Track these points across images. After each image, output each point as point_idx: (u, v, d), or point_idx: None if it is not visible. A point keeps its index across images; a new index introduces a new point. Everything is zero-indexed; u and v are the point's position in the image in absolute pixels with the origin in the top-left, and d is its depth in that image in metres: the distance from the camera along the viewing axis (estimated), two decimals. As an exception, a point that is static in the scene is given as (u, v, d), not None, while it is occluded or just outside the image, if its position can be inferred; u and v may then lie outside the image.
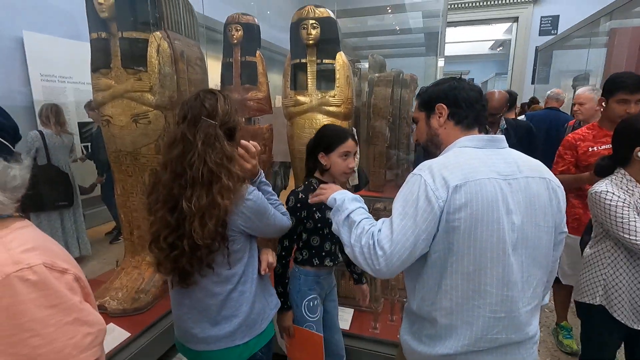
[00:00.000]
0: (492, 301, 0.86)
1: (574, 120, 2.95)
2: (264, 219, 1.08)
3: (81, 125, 3.95)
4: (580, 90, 2.56)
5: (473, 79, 12.19)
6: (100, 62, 1.87)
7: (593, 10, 4.63)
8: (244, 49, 2.05)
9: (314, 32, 1.91)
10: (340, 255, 1.51)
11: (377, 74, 4.39)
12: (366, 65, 4.60)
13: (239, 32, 2.01)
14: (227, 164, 0.96)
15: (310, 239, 1.38)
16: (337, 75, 1.99)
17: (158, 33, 1.83)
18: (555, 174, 0.97)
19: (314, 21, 1.90)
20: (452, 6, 6.77)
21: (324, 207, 1.36)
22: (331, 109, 2.03)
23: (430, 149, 1.01)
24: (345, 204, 0.99)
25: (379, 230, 0.87)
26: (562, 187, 0.94)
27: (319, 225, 1.36)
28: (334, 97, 2.01)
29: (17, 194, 0.63)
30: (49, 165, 2.94)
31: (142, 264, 2.11)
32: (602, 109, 1.82)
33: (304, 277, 1.41)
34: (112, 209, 3.57)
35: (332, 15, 1.94)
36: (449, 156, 0.90)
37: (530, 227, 0.86)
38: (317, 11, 1.91)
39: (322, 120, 2.05)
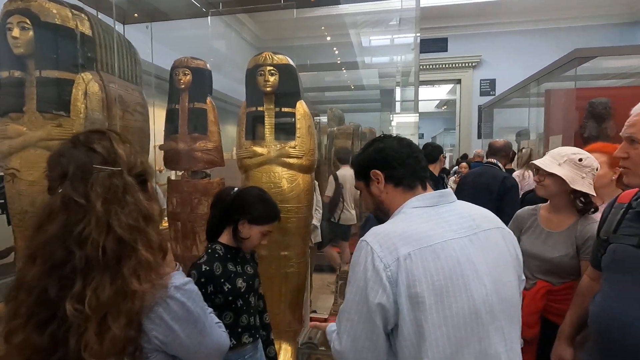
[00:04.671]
0: None
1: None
2: (194, 333, 0.71)
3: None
4: None
5: (423, 134, 13.02)
6: (10, 105, 1.54)
7: (524, 74, 5.17)
8: (192, 95, 1.84)
9: (271, 79, 1.75)
10: (262, 327, 1.34)
11: (336, 127, 4.37)
12: (324, 119, 4.61)
13: (187, 77, 1.81)
14: (145, 227, 0.66)
15: (221, 316, 1.16)
16: (298, 125, 1.82)
17: (88, 74, 1.57)
18: None
19: (271, 68, 1.76)
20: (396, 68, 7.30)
21: (233, 276, 1.18)
22: (291, 160, 1.83)
23: (379, 216, 0.94)
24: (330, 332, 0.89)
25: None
26: (512, 233, 0.89)
27: (230, 298, 1.17)
28: (294, 148, 1.82)
29: None
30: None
31: None
32: None
33: None
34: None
35: (291, 62, 1.82)
36: (397, 220, 0.82)
37: (503, 287, 0.77)
38: (275, 57, 1.78)
39: (282, 173, 1.83)
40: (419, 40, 1.84)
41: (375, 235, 0.78)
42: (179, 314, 0.67)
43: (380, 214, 0.94)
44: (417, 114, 1.90)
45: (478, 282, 0.73)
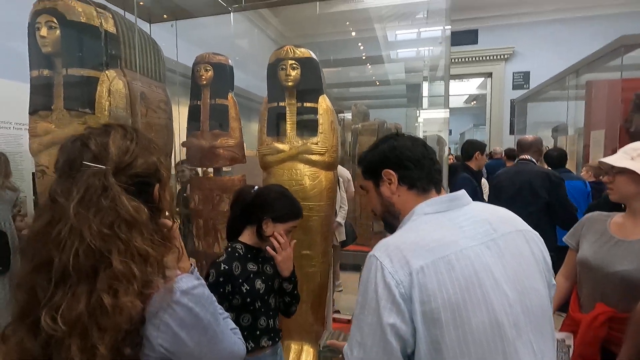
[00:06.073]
0: None
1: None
2: (204, 341, 0.64)
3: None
4: None
5: (451, 130, 12.66)
6: (39, 103, 1.58)
7: (560, 66, 4.85)
8: (214, 91, 1.83)
9: (293, 73, 1.71)
10: (280, 330, 1.27)
11: (361, 124, 4.29)
12: (348, 115, 4.53)
13: (209, 73, 1.79)
14: (123, 234, 0.58)
15: (239, 318, 1.13)
16: (321, 121, 1.77)
17: (112, 71, 1.58)
18: None
19: (293, 61, 1.71)
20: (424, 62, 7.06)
21: (252, 276, 1.15)
22: (314, 157, 1.78)
23: (388, 220, 0.88)
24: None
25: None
26: (537, 233, 0.81)
27: (249, 300, 1.13)
28: (316, 144, 1.76)
29: None
30: (-16, 224, 2.50)
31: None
32: None
33: None
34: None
35: (313, 56, 1.76)
36: (407, 230, 0.77)
37: (527, 295, 0.71)
38: (297, 51, 1.73)
39: (304, 170, 1.78)
40: (449, 33, 1.73)
41: (384, 248, 0.71)
42: (185, 320, 0.61)
43: (388, 217, 0.87)
44: (448, 110, 1.79)
45: (498, 292, 0.67)
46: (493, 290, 0.67)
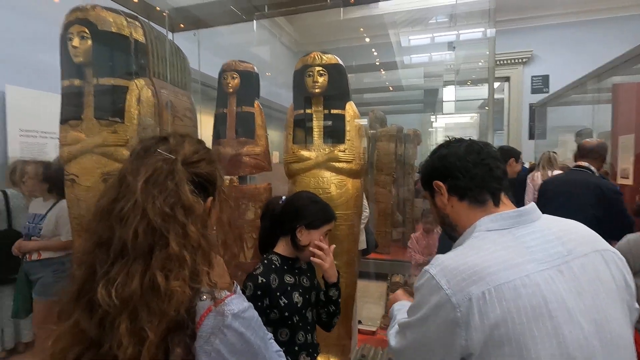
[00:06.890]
0: None
1: None
2: None
3: (59, 183, 3.62)
4: None
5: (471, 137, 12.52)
6: (70, 113, 1.60)
7: (581, 69, 4.72)
8: (240, 99, 1.82)
9: (320, 79, 1.68)
10: (317, 345, 1.22)
11: (379, 129, 4.25)
12: (364, 121, 4.49)
13: (235, 80, 1.78)
14: (182, 217, 0.59)
15: (277, 333, 1.09)
16: (348, 128, 1.73)
17: (141, 80, 1.59)
18: None
19: (320, 68, 1.68)
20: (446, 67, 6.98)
21: (290, 289, 1.11)
22: (340, 165, 1.74)
23: (446, 231, 0.85)
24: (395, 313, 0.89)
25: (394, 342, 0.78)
26: (618, 252, 0.72)
27: (287, 314, 1.09)
28: (344, 151, 1.73)
29: None
30: (8, 231, 2.54)
31: None
32: None
33: None
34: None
35: (340, 62, 1.74)
36: (468, 248, 0.70)
37: (607, 326, 0.63)
38: (324, 57, 1.70)
39: (331, 178, 1.75)
40: (494, 33, 1.69)
41: (442, 268, 0.66)
42: (236, 346, 0.58)
43: (446, 228, 0.84)
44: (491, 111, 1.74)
45: (572, 325, 0.60)
46: (566, 322, 0.60)
